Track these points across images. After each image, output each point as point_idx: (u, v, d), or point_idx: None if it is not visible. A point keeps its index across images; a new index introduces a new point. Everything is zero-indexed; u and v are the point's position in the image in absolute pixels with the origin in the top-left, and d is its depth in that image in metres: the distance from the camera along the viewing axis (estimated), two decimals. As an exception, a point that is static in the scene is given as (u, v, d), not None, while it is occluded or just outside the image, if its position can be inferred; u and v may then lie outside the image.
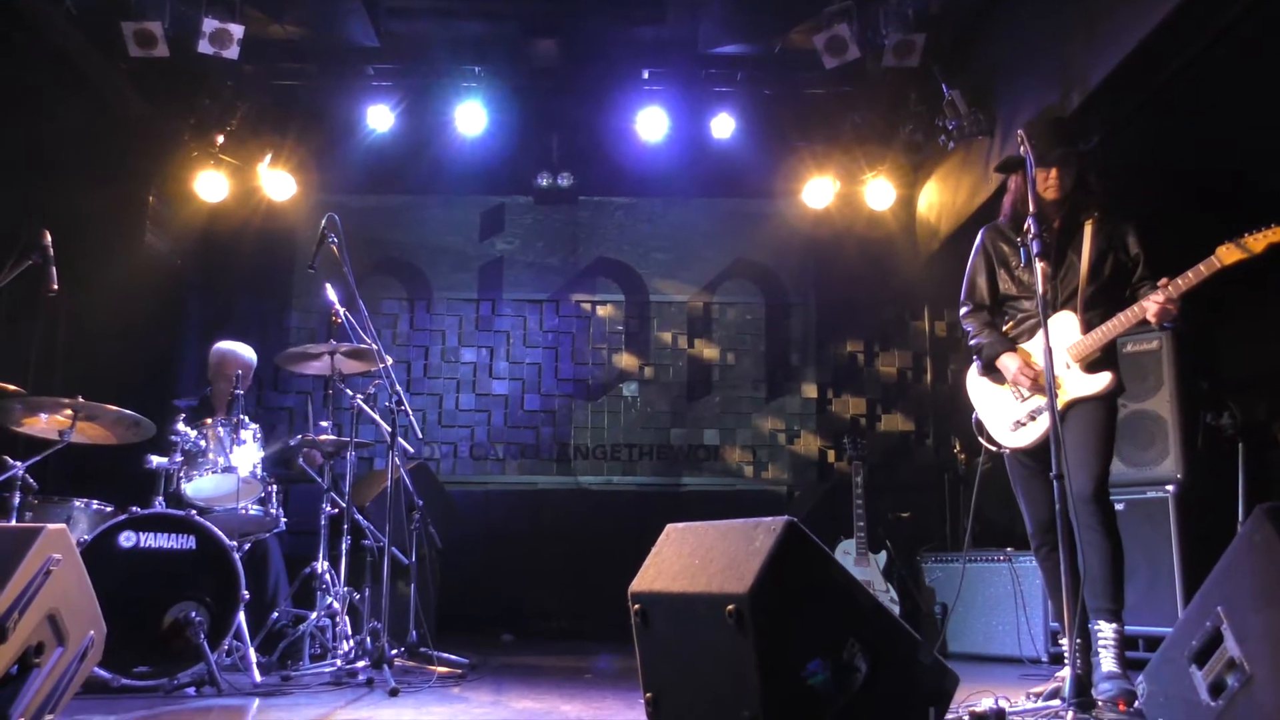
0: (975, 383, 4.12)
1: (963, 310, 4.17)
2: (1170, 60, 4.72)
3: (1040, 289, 3.36)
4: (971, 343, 4.11)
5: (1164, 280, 3.60)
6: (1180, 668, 2.54)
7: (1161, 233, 3.86)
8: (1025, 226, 3.42)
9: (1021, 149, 3.48)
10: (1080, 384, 3.78)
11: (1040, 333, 3.75)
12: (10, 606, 2.66)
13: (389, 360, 4.78)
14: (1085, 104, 5.08)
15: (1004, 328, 4.07)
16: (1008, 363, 3.91)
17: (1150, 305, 3.60)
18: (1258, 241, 3.48)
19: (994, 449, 4.01)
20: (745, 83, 7.07)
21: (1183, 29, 4.46)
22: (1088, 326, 3.78)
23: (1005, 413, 3.96)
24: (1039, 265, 3.36)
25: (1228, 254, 3.51)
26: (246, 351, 5.75)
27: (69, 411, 4.34)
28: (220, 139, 6.91)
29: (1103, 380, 3.76)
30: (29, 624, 2.74)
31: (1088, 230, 3.85)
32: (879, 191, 7.48)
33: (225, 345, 5.76)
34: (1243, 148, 5.04)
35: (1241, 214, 3.52)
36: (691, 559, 3.05)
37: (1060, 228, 3.85)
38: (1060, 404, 3.66)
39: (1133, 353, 5.15)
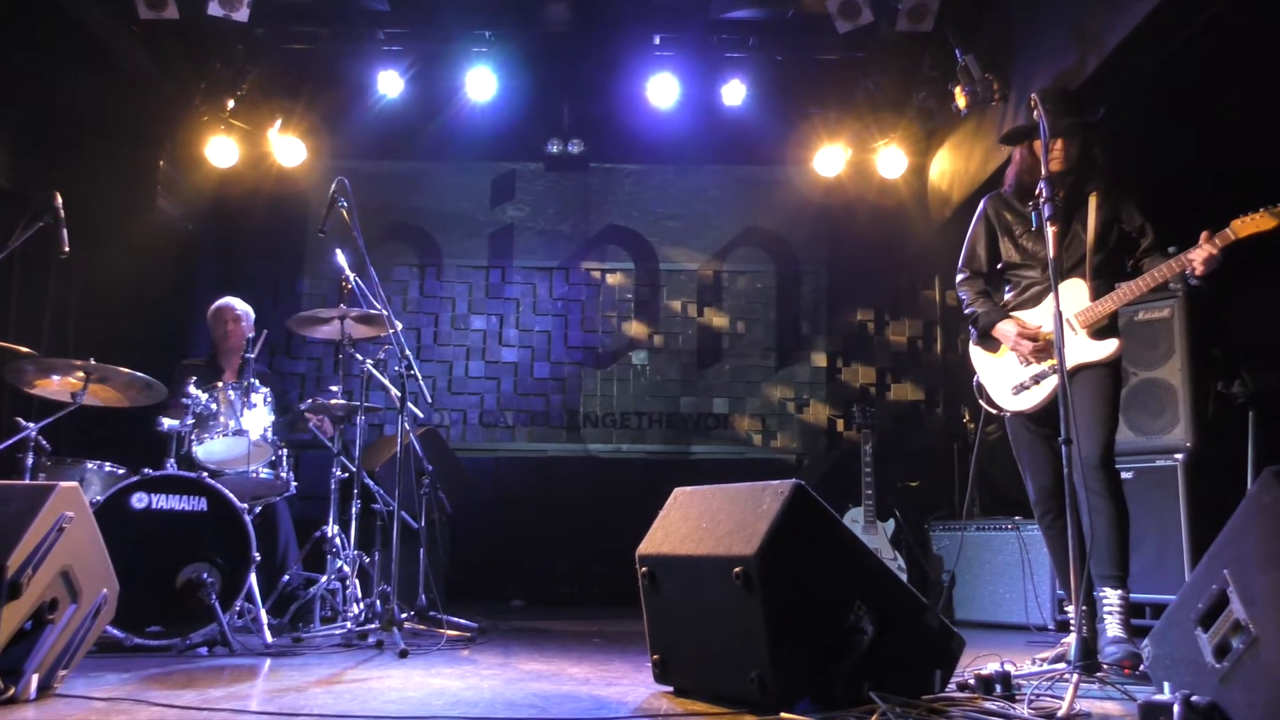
0: (974, 350, 4.15)
1: (959, 277, 4.20)
2: (1190, 22, 4.64)
3: (1052, 253, 3.32)
4: (966, 312, 4.14)
5: (1206, 233, 3.53)
6: (1186, 630, 2.54)
7: (1172, 206, 3.84)
8: (1037, 191, 3.38)
9: (1035, 114, 3.45)
10: (1086, 349, 3.79)
11: (1045, 299, 3.82)
12: (24, 562, 2.69)
13: (399, 325, 4.78)
14: (1100, 69, 5.02)
15: (1006, 296, 4.10)
16: (1005, 329, 3.93)
17: (1199, 253, 3.51)
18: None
19: (995, 412, 4.04)
20: (757, 48, 6.98)
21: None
22: (1096, 294, 3.80)
23: (1007, 376, 3.98)
24: (1050, 230, 3.32)
25: (1242, 227, 3.50)
26: (239, 303, 5.74)
27: (81, 373, 4.35)
28: (231, 104, 6.86)
29: (1110, 346, 3.79)
30: (43, 580, 2.78)
31: (1092, 202, 3.88)
32: (891, 159, 7.42)
33: (220, 300, 5.77)
34: (1258, 126, 4.95)
35: (1260, 191, 3.50)
36: (699, 522, 3.06)
37: (1065, 198, 3.84)
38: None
39: (1144, 320, 5.12)
